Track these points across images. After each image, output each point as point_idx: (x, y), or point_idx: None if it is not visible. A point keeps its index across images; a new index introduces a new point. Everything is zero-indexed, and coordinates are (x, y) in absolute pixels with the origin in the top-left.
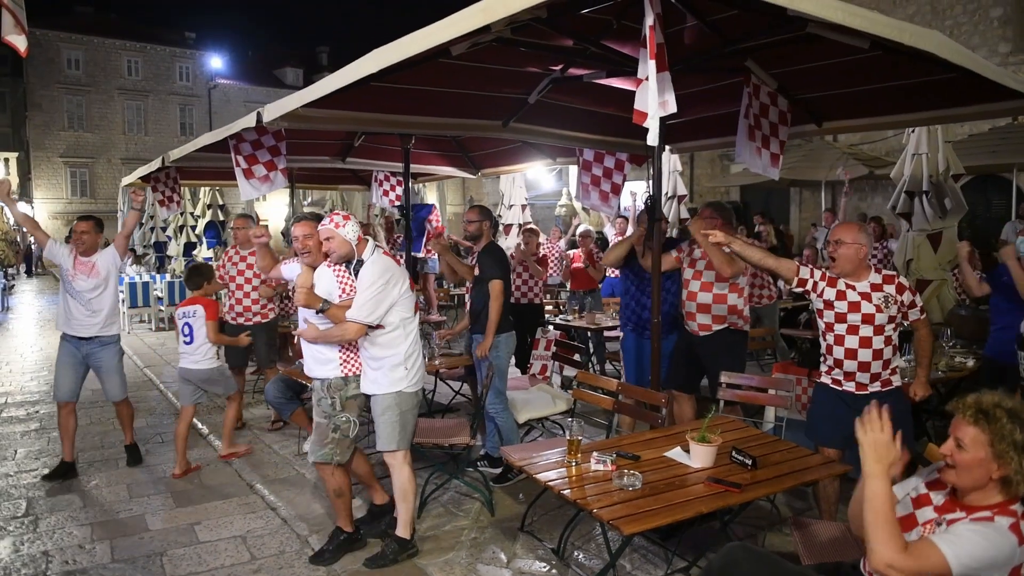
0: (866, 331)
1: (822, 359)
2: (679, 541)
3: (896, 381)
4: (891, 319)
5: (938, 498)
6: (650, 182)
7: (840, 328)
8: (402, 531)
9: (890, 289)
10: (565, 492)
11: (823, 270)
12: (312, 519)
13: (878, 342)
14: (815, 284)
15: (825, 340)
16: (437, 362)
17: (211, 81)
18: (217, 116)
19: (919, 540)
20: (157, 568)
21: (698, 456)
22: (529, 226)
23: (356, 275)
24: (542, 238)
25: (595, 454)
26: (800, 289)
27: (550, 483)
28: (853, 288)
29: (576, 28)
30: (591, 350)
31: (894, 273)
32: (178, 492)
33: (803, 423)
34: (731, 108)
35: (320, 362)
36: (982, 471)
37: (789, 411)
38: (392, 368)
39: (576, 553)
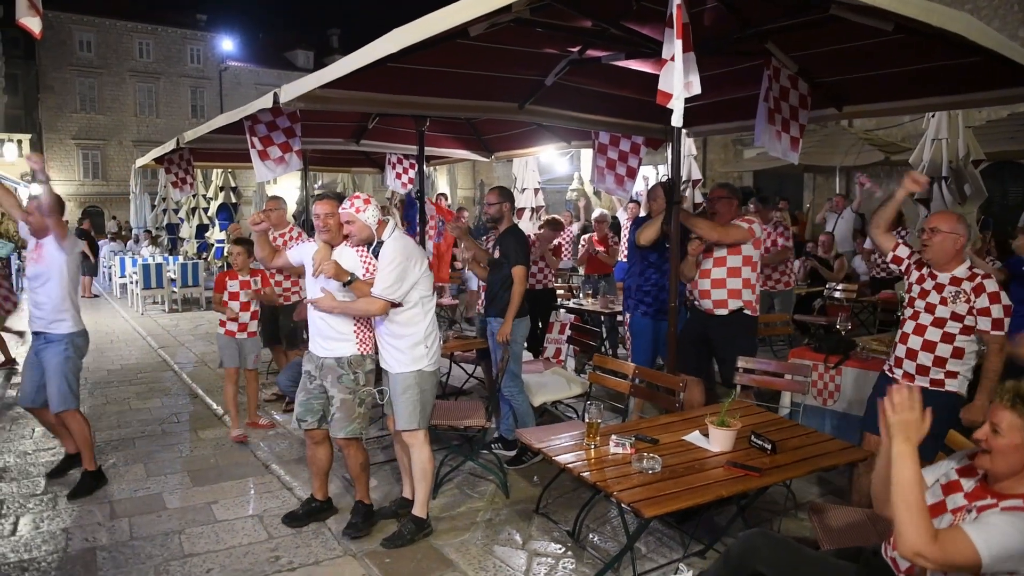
0: (924, 319)
1: None
2: (696, 524)
3: (952, 386)
4: (956, 316)
5: (968, 484)
6: (664, 166)
7: (907, 311)
8: (419, 511)
9: (967, 286)
10: (585, 475)
11: (917, 253)
12: None
13: (933, 334)
14: (908, 265)
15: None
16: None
17: (222, 63)
18: (228, 98)
19: (949, 528)
20: (175, 546)
21: (717, 440)
22: (555, 217)
23: (377, 256)
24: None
25: (614, 437)
26: (895, 266)
27: (569, 465)
28: (934, 277)
29: (595, 8)
30: (604, 334)
31: (984, 272)
32: (195, 471)
33: (819, 409)
34: (749, 92)
35: (337, 340)
36: (1018, 456)
37: (805, 397)
38: (412, 347)
39: (591, 535)
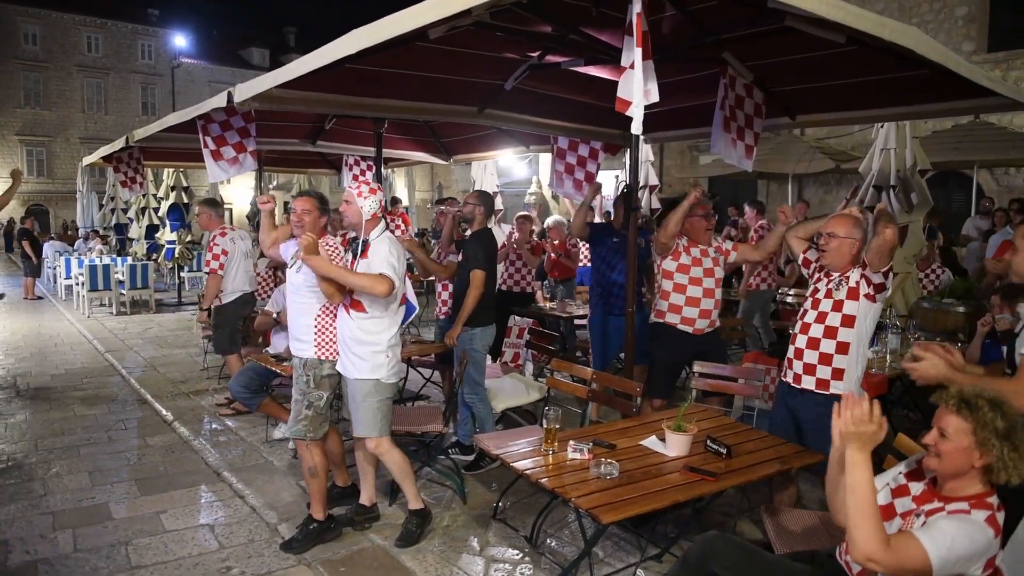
0: (833, 320)
1: None
2: (652, 528)
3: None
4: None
5: (917, 488)
6: (622, 171)
7: (811, 314)
8: (415, 504)
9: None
10: (543, 481)
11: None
12: (282, 507)
13: (846, 335)
14: (814, 269)
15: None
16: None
17: (174, 60)
18: (180, 96)
19: (899, 534)
20: (122, 558)
21: (674, 445)
22: (523, 213)
23: (355, 252)
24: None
25: (572, 443)
26: (804, 269)
27: (527, 472)
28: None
29: (555, 14)
30: (563, 338)
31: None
32: (143, 480)
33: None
34: (706, 99)
35: (300, 341)
36: (965, 459)
37: (760, 400)
38: (374, 354)
39: (549, 541)
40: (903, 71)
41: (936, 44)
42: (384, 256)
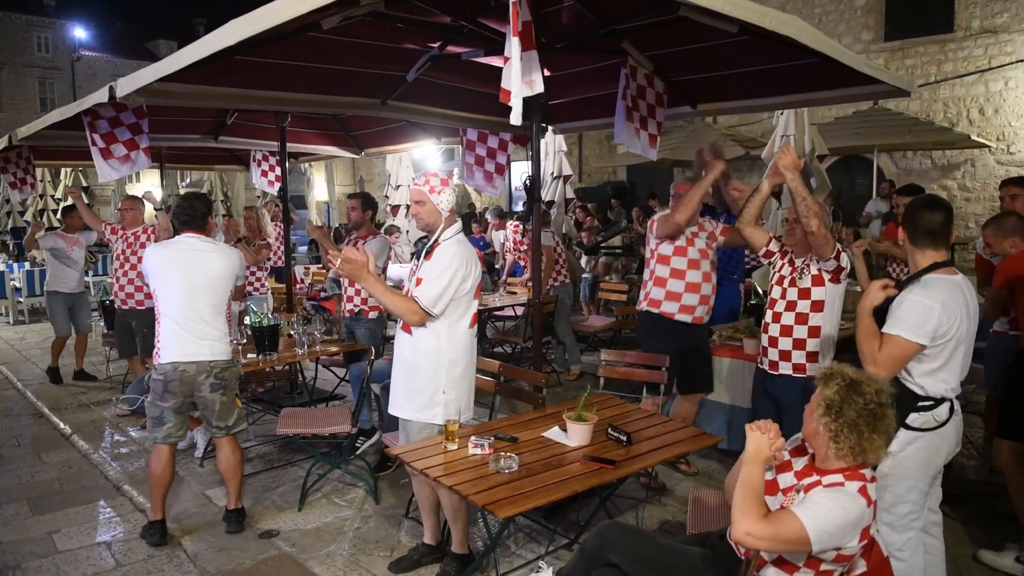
0: (803, 306)
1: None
2: (561, 518)
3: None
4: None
5: (799, 463)
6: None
7: (780, 304)
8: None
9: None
10: (442, 479)
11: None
12: (185, 519)
13: (816, 319)
14: (777, 259)
15: None
16: (317, 348)
17: (74, 53)
18: (82, 90)
19: (778, 510)
20: None
21: (575, 435)
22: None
23: (421, 256)
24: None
25: (473, 438)
26: (765, 260)
27: (427, 471)
28: (808, 268)
29: (453, 4)
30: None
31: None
32: (35, 499)
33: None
34: (611, 89)
35: None
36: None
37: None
38: None
39: None
40: (795, 60)
41: (818, 33)
42: (447, 262)
